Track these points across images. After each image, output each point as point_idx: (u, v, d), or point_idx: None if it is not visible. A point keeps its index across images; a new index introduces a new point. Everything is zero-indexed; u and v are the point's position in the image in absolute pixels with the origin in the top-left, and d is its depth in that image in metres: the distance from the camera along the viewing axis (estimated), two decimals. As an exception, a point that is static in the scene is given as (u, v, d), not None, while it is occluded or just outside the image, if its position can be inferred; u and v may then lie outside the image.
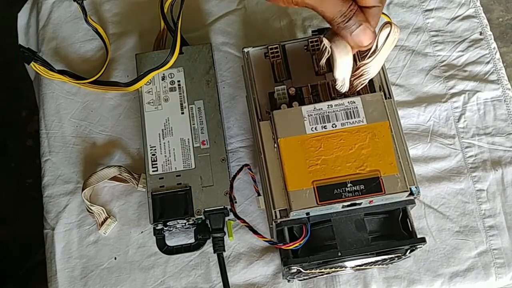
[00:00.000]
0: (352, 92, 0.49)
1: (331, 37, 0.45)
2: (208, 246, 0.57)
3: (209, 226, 0.56)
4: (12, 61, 1.25)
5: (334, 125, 0.46)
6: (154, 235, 0.56)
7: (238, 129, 0.63)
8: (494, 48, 0.66)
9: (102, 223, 0.59)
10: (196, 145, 0.58)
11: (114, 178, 0.60)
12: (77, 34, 0.69)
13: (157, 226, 0.55)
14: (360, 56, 0.51)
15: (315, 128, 0.46)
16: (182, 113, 0.59)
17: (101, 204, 0.60)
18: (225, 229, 0.56)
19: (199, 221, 0.56)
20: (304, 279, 0.56)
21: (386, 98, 0.49)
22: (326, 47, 0.46)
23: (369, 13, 0.42)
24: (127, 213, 0.60)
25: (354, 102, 0.47)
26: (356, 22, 0.41)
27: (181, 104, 0.59)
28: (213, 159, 0.57)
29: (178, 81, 0.60)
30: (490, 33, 0.67)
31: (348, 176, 0.45)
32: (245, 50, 0.54)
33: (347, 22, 0.41)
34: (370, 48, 0.46)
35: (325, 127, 0.46)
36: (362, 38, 0.41)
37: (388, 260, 0.51)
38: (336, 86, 0.48)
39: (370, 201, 0.46)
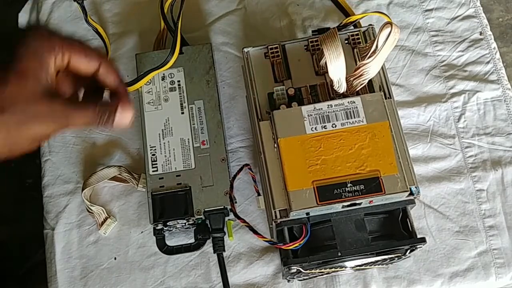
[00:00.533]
0: (351, 92, 0.49)
1: (323, 38, 0.45)
2: (208, 246, 0.57)
3: (209, 226, 0.56)
4: (12, 61, 1.25)
5: (334, 125, 0.46)
6: (154, 235, 0.56)
7: (238, 129, 0.63)
8: (494, 48, 0.66)
9: (102, 223, 0.59)
10: (196, 145, 0.58)
11: (114, 178, 0.60)
12: (77, 34, 0.69)
13: (157, 226, 0.55)
14: (360, 56, 0.51)
15: (315, 128, 0.46)
16: (182, 113, 0.59)
17: (101, 204, 0.60)
18: (225, 229, 0.56)
19: (199, 221, 0.56)
20: (304, 279, 0.56)
21: (386, 98, 0.49)
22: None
23: (118, 95, 0.41)
24: (127, 213, 0.60)
25: (354, 102, 0.47)
26: (111, 113, 0.39)
27: (181, 104, 0.59)
28: (213, 159, 0.57)
29: (178, 81, 0.60)
30: (490, 33, 0.67)
31: (348, 176, 0.45)
32: (245, 50, 0.54)
33: (104, 119, 0.39)
34: (370, 48, 0.46)
35: (325, 127, 0.46)
36: (124, 121, 0.40)
37: (388, 260, 0.51)
38: (334, 86, 0.48)
39: (370, 201, 0.46)
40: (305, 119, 0.47)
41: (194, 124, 0.59)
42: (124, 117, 0.39)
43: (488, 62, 0.65)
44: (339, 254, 0.46)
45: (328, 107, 0.47)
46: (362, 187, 0.44)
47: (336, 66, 0.45)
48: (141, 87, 0.60)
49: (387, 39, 0.44)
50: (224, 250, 0.56)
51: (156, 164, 0.57)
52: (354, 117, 0.47)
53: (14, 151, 0.36)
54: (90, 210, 0.59)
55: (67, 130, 0.41)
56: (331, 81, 0.47)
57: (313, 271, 0.49)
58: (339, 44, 0.44)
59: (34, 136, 0.37)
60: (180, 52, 0.61)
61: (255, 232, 0.49)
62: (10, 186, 1.22)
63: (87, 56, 0.39)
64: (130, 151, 0.63)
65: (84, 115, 0.38)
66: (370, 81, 0.50)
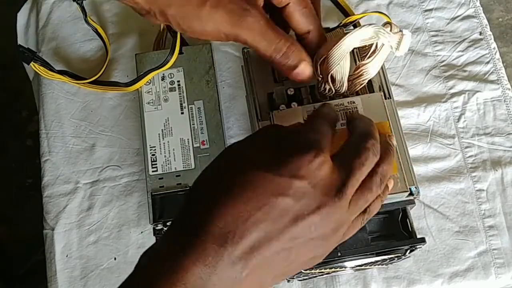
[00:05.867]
0: (351, 92, 0.49)
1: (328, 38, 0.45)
2: (208, 246, 0.57)
3: (209, 226, 0.56)
4: (12, 61, 1.25)
5: (334, 125, 0.46)
6: (154, 235, 0.56)
7: (238, 129, 0.63)
8: (494, 48, 0.66)
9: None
10: (196, 145, 0.58)
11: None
12: (77, 34, 0.69)
13: (157, 226, 0.55)
14: (360, 56, 0.51)
15: (315, 128, 0.46)
16: (182, 113, 0.59)
17: (101, 204, 0.60)
18: (225, 229, 0.56)
19: (199, 221, 0.56)
20: (304, 279, 0.56)
21: (385, 98, 0.49)
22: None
23: (308, 41, 0.40)
24: (127, 213, 0.60)
25: (353, 102, 0.47)
26: (295, 59, 0.39)
27: (181, 104, 0.59)
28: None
29: (178, 81, 0.60)
30: (490, 33, 0.67)
31: (348, 176, 0.45)
32: (245, 50, 0.53)
33: (285, 58, 0.39)
34: (370, 48, 0.46)
35: (325, 127, 0.46)
36: (301, 77, 0.40)
37: (388, 260, 0.51)
38: (335, 87, 0.48)
39: (370, 201, 0.46)
40: (305, 119, 0.47)
41: (194, 124, 0.59)
42: (302, 72, 0.38)
43: (488, 62, 0.65)
44: (339, 254, 0.46)
45: (328, 107, 0.47)
46: (362, 187, 0.44)
47: (341, 66, 0.45)
48: (140, 87, 0.60)
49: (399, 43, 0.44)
50: (224, 250, 0.56)
51: (156, 164, 0.57)
52: (354, 117, 0.46)
53: None
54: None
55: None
56: (328, 81, 0.47)
57: (313, 271, 0.49)
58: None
59: None
60: (180, 52, 0.61)
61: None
62: (10, 186, 1.22)
63: None
64: (130, 151, 0.63)
65: (276, 36, 0.38)
66: (369, 81, 0.50)
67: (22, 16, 0.72)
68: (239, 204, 0.30)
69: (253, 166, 0.31)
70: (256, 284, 0.31)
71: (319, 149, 0.32)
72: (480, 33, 0.66)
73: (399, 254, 0.49)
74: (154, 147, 0.57)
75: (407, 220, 0.48)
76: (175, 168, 0.57)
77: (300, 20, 0.41)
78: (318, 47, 0.43)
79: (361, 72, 0.47)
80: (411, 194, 0.46)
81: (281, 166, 0.30)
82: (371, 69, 0.46)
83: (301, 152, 0.31)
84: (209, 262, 0.29)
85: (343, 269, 0.51)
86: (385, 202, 0.46)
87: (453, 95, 0.63)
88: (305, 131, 0.35)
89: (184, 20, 0.40)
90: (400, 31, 0.42)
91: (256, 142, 0.35)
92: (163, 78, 0.61)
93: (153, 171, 0.57)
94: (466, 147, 0.61)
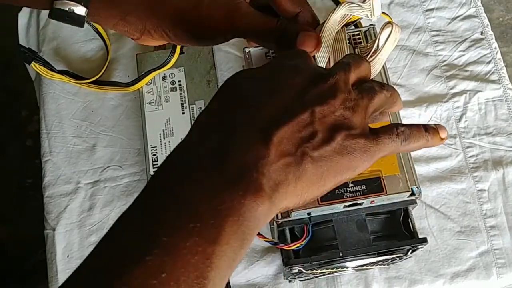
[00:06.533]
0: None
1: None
2: (209, 247, 0.57)
3: (210, 226, 0.55)
4: (13, 61, 1.25)
5: (335, 125, 0.46)
6: (155, 235, 0.56)
7: (239, 129, 0.63)
8: (495, 48, 0.66)
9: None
10: (197, 145, 0.57)
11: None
12: (78, 34, 0.69)
13: (158, 226, 0.55)
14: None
15: (317, 128, 0.46)
16: (183, 113, 0.59)
17: (102, 204, 0.60)
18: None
19: (200, 221, 0.56)
20: (306, 280, 0.56)
21: (387, 98, 0.49)
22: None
23: (300, 23, 0.41)
24: (128, 213, 0.60)
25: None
26: (296, 28, 0.40)
27: (182, 104, 0.59)
28: (214, 159, 0.57)
29: (179, 81, 0.60)
30: (491, 33, 0.66)
31: (350, 176, 0.45)
32: (246, 50, 0.53)
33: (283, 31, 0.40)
34: (371, 48, 0.46)
35: (326, 127, 0.46)
36: (308, 41, 0.40)
37: (390, 260, 0.51)
38: None
39: (372, 201, 0.45)
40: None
41: (195, 124, 0.58)
42: (310, 39, 0.39)
43: (489, 62, 0.65)
44: (341, 254, 0.46)
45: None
46: (363, 187, 0.44)
47: (337, 52, 0.45)
48: (141, 87, 0.60)
49: (388, 39, 0.44)
50: (225, 251, 0.56)
51: (157, 164, 0.57)
52: (356, 117, 0.46)
53: None
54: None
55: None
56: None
57: (314, 271, 0.49)
58: (344, 44, 0.44)
59: None
60: (181, 52, 0.61)
61: (256, 232, 0.48)
62: (10, 186, 1.22)
63: None
64: (131, 151, 0.63)
65: (261, 21, 0.40)
66: (371, 81, 0.50)
67: (23, 16, 0.72)
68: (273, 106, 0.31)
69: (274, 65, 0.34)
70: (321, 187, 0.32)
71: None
72: (481, 33, 0.66)
73: (401, 254, 0.49)
74: (155, 147, 0.57)
75: (409, 220, 0.48)
76: (176, 168, 0.56)
77: (288, 3, 0.41)
78: (312, 26, 0.43)
79: (362, 72, 0.47)
80: (412, 194, 0.46)
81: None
82: (372, 69, 0.46)
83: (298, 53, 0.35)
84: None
85: (345, 269, 0.51)
86: (387, 202, 0.46)
87: (454, 95, 0.63)
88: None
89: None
90: None
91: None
92: (164, 78, 0.60)
93: (154, 171, 0.56)
94: (468, 147, 0.61)
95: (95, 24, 0.66)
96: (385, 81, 0.51)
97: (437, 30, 0.67)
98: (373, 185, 0.44)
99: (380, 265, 0.53)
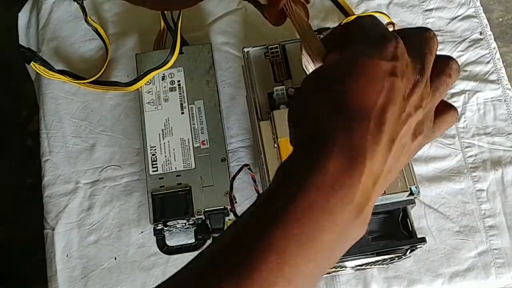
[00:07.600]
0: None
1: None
2: (208, 246, 0.57)
3: (209, 226, 0.56)
4: (12, 61, 1.25)
5: (334, 125, 0.46)
6: (154, 235, 0.56)
7: (238, 129, 0.63)
8: (494, 48, 0.66)
9: None
10: (196, 145, 0.58)
11: None
12: (77, 34, 0.69)
13: (157, 226, 0.55)
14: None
15: (315, 128, 0.46)
16: (182, 113, 0.59)
17: (101, 204, 0.60)
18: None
19: (199, 221, 0.56)
20: (304, 279, 0.56)
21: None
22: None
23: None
24: (127, 213, 0.60)
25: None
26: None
27: (181, 104, 0.59)
28: (213, 159, 0.57)
29: (178, 81, 0.60)
30: (490, 33, 0.67)
31: (348, 176, 0.45)
32: (245, 50, 0.54)
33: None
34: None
35: (325, 127, 0.46)
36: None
37: (388, 260, 0.51)
38: None
39: (370, 201, 0.45)
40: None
41: (194, 124, 0.59)
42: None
43: (488, 62, 0.65)
44: (339, 254, 0.46)
45: (328, 107, 0.47)
46: (362, 187, 0.44)
47: None
48: (141, 87, 0.60)
49: None
50: (224, 250, 0.56)
51: (156, 164, 0.57)
52: (354, 117, 0.46)
53: None
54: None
55: None
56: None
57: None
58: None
59: None
60: (180, 52, 0.61)
61: (255, 232, 0.48)
62: (10, 186, 1.22)
63: None
64: (130, 151, 0.63)
65: None
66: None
67: (22, 16, 0.72)
68: (365, 94, 0.30)
69: (358, 55, 0.32)
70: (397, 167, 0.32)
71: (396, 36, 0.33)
72: (481, 33, 0.66)
73: (400, 254, 0.49)
74: (155, 147, 0.57)
75: (408, 220, 0.48)
76: (176, 168, 0.57)
77: None
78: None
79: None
80: (411, 194, 0.46)
81: (382, 51, 0.32)
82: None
83: (389, 38, 0.32)
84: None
85: (344, 269, 0.51)
86: (386, 202, 0.46)
87: (453, 95, 0.63)
88: (378, 23, 0.35)
89: None
90: None
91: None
92: (163, 78, 0.61)
93: (153, 171, 0.57)
94: (467, 147, 0.61)
95: (95, 24, 0.66)
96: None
97: (436, 30, 0.67)
98: (372, 185, 0.44)
99: (379, 264, 0.53)
